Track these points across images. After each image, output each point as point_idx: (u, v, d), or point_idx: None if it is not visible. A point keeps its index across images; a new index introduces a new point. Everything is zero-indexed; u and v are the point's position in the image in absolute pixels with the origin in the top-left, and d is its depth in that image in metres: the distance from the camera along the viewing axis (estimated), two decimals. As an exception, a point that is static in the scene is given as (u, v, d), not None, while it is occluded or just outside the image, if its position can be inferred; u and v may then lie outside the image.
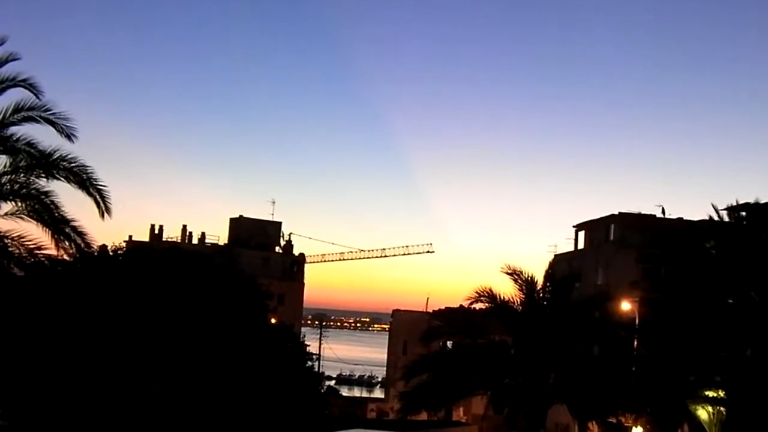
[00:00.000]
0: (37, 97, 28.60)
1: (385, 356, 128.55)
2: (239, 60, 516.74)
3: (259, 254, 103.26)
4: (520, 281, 44.82)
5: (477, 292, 44.64)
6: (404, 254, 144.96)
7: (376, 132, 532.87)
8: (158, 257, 37.68)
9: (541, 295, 44.92)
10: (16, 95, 28.80)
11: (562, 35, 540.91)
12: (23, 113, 28.57)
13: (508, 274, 44.92)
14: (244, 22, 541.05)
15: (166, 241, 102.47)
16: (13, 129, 28.64)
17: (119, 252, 38.26)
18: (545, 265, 49.80)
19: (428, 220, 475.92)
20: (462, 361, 44.81)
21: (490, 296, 44.70)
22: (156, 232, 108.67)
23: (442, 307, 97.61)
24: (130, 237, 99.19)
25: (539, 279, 45.21)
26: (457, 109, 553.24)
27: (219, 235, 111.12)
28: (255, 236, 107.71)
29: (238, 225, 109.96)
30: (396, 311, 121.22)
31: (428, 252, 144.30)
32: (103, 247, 36.57)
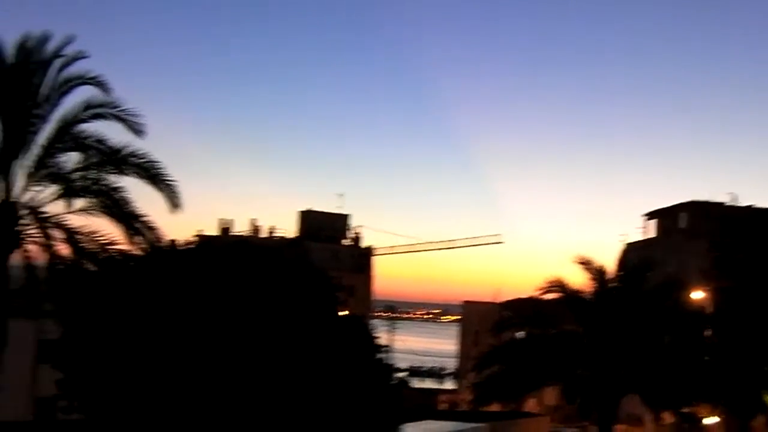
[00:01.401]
0: (106, 94, 29.05)
1: (455, 347, 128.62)
2: (305, 55, 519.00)
3: (328, 247, 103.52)
4: (590, 271, 44.51)
5: (548, 282, 44.44)
6: (472, 245, 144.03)
7: (443, 122, 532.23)
8: (228, 250, 37.80)
9: (612, 284, 44.52)
10: (86, 93, 29.29)
11: (629, 25, 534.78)
12: (93, 110, 29.05)
13: (578, 263, 44.63)
14: (310, 17, 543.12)
15: (235, 236, 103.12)
16: (83, 126, 29.16)
17: (189, 246, 38.51)
18: (616, 255, 49.42)
19: (496, 210, 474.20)
20: (533, 351, 44.57)
21: (560, 286, 44.44)
22: (225, 227, 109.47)
23: (512, 298, 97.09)
24: (200, 231, 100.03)
25: (610, 268, 44.84)
26: (525, 99, 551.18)
27: (288, 228, 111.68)
28: (324, 229, 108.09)
29: (307, 218, 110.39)
30: (466, 302, 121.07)
31: (496, 243, 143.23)
32: (173, 242, 36.83)
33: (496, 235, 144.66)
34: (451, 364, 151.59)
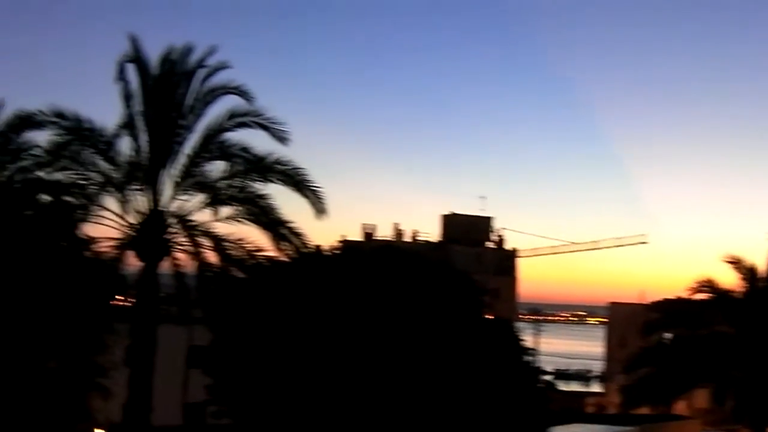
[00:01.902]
0: (249, 103, 29.37)
1: (601, 350, 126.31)
2: (446, 57, 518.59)
3: (472, 250, 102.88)
4: (740, 270, 43.06)
5: (697, 283, 43.17)
6: (617, 245, 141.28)
7: (584, 122, 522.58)
8: (373, 255, 37.89)
9: (763, 284, 43.01)
10: (229, 102, 29.68)
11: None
12: (237, 119, 29.44)
13: (728, 262, 43.24)
14: (449, 19, 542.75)
15: (379, 240, 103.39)
16: (227, 135, 29.56)
17: (334, 252, 38.76)
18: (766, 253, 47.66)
19: (641, 209, 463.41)
20: (683, 353, 43.35)
21: (710, 286, 43.13)
22: (368, 231, 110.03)
23: (658, 299, 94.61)
24: (344, 237, 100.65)
25: (761, 267, 43.31)
26: (668, 94, 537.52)
27: (431, 232, 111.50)
28: (467, 232, 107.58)
29: (450, 222, 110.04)
30: (613, 304, 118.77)
31: (641, 243, 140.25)
32: (318, 247, 37.07)
33: (641, 234, 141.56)
34: (598, 367, 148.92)
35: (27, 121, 30.54)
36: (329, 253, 37.68)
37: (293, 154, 29.79)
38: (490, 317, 48.33)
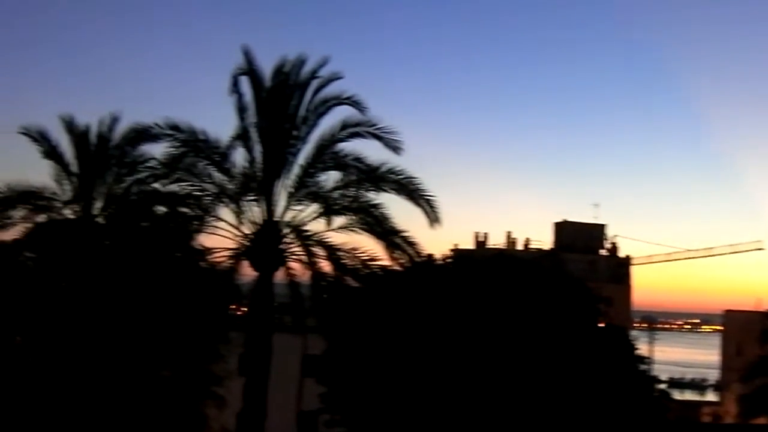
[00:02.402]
0: (362, 113, 29.37)
1: (717, 358, 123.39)
2: (556, 66, 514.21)
3: (585, 258, 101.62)
4: None
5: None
6: (732, 252, 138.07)
7: (698, 127, 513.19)
8: (486, 264, 37.60)
9: None
10: (342, 113, 29.72)
11: None
12: (350, 129, 29.48)
13: None
14: (554, 27, 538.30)
15: (491, 249, 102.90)
16: (341, 145, 29.62)
17: (447, 261, 38.59)
18: None
19: (757, 215, 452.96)
20: (805, 361, 42.18)
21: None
22: (480, 239, 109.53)
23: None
24: (456, 246, 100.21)
25: None
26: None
27: (543, 240, 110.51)
28: (580, 240, 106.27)
29: (562, 229, 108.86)
30: (728, 311, 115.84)
31: (757, 249, 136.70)
32: (430, 256, 36.94)
33: (757, 241, 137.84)
34: (713, 376, 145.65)
35: (143, 134, 31.15)
36: (442, 262, 37.55)
37: (406, 162, 29.71)
38: (605, 326, 47.64)
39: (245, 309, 34.42)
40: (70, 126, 32.71)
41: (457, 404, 33.11)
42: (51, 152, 32.59)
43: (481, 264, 38.88)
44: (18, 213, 32.63)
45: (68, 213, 32.52)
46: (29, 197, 32.41)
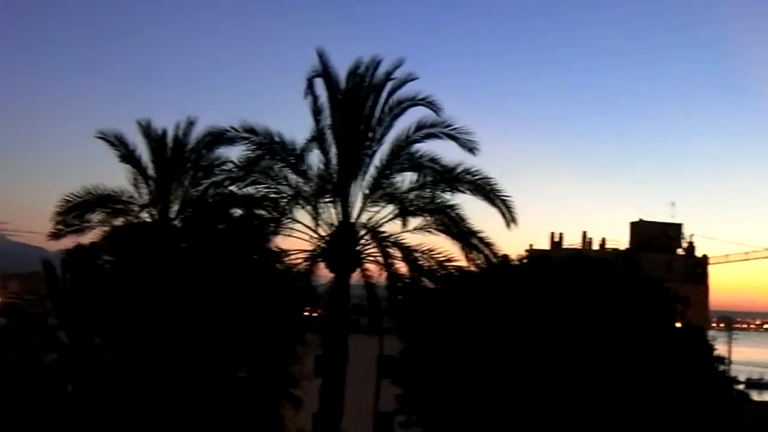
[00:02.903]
0: (437, 114, 29.22)
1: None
2: (634, 67, 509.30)
3: (661, 257, 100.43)
4: None
5: None
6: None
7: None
8: (562, 265, 37.28)
9: None
10: (417, 114, 29.62)
11: None
12: (425, 130, 29.36)
13: None
14: (637, 27, 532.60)
15: (567, 249, 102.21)
16: (416, 146, 29.52)
17: (523, 261, 38.35)
18: None
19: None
20: None
21: None
22: (556, 239, 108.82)
23: None
24: (531, 246, 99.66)
25: None
26: None
27: (619, 240, 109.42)
28: (656, 239, 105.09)
29: (639, 228, 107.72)
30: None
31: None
32: (506, 257, 36.74)
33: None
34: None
35: (219, 137, 31.35)
36: (518, 263, 37.29)
37: (481, 163, 29.53)
38: (682, 326, 46.95)
39: (320, 311, 34.56)
40: (147, 130, 33.06)
41: (533, 405, 32.87)
42: (128, 156, 32.97)
43: (557, 265, 38.59)
44: (96, 216, 33.11)
45: (145, 216, 32.86)
46: (107, 201, 32.83)
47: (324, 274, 29.67)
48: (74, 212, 32.78)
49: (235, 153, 30.92)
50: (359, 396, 34.18)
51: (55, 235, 33.08)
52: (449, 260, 28.67)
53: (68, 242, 33.17)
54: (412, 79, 29.56)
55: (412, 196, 29.18)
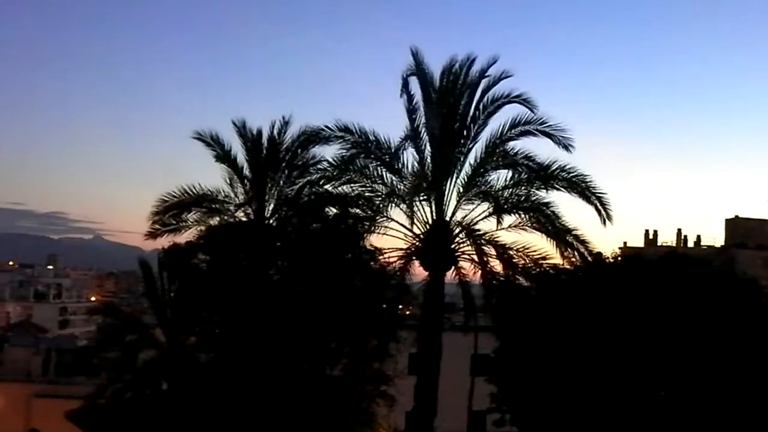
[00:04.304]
0: (532, 112, 29.09)
1: None
2: (729, 62, 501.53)
3: (758, 255, 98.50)
4: None
5: None
6: None
7: None
8: (657, 264, 36.82)
9: None
10: (512, 111, 29.51)
11: None
12: (520, 128, 29.25)
13: None
14: (722, 19, 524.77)
15: (661, 246, 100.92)
16: (511, 144, 29.43)
17: (617, 259, 37.98)
18: None
19: None
20: None
21: None
22: (650, 237, 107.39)
23: None
24: (625, 243, 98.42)
25: None
26: None
27: (715, 237, 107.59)
28: (753, 236, 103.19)
29: (735, 226, 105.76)
30: None
31: None
32: (600, 254, 36.47)
33: None
34: None
35: (313, 136, 31.55)
36: (612, 261, 36.95)
37: (574, 159, 29.31)
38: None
39: (413, 309, 34.61)
40: (242, 130, 33.41)
41: (628, 408, 32.56)
42: (224, 156, 33.35)
43: (652, 264, 38.13)
44: (192, 216, 33.55)
45: (241, 215, 33.22)
46: (203, 200, 33.27)
47: (418, 272, 29.72)
48: (171, 212, 33.26)
49: (329, 152, 31.14)
50: (452, 394, 34.09)
51: (152, 235, 33.56)
52: (544, 258, 28.50)
53: (164, 242, 33.70)
54: (507, 77, 29.45)
55: (506, 193, 29.09)
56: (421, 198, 29.20)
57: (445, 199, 29.19)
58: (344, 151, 30.11)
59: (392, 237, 29.45)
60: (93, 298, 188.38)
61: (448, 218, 29.15)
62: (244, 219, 33.22)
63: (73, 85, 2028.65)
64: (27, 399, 61.17)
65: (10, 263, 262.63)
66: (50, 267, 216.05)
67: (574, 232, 28.48)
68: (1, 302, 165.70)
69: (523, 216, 28.83)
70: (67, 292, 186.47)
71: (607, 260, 34.00)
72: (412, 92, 29.54)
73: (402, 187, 29.49)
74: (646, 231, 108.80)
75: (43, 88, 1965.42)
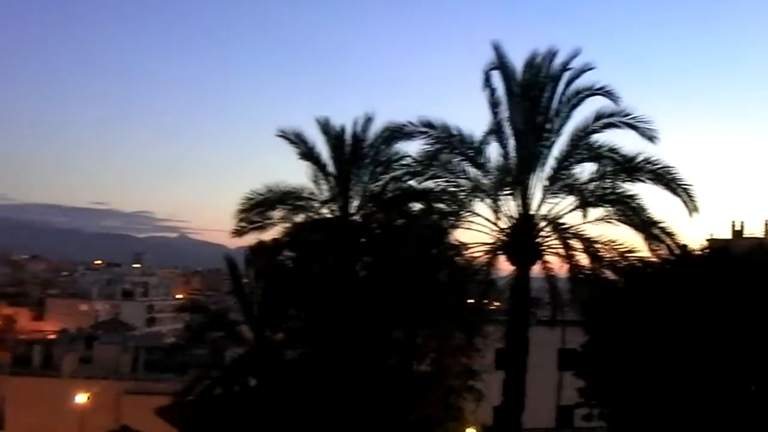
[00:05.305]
0: (615, 104, 28.81)
1: None
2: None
3: None
4: None
5: None
6: None
7: None
8: (743, 257, 36.37)
9: None
10: (595, 104, 29.28)
11: None
12: (604, 120, 28.95)
13: None
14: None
15: (748, 238, 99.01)
16: (595, 136, 29.18)
17: (704, 252, 37.50)
18: None
19: None
20: None
21: None
22: (737, 228, 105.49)
23: None
24: (711, 235, 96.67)
25: None
26: None
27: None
28: None
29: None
30: None
31: None
32: (685, 247, 36.10)
33: None
34: None
35: (397, 132, 31.64)
36: (700, 254, 36.49)
37: (658, 150, 28.94)
38: None
39: (499, 303, 34.54)
40: (325, 127, 33.68)
41: (717, 402, 32.15)
42: (308, 154, 33.64)
43: (739, 257, 37.56)
44: (277, 213, 33.85)
45: (326, 212, 33.46)
46: (288, 198, 33.58)
47: (504, 266, 29.65)
48: (256, 209, 33.61)
49: (413, 148, 31.20)
50: (539, 389, 34.01)
51: (238, 233, 33.91)
52: (630, 251, 28.14)
53: (250, 239, 34.08)
54: (589, 69, 29.17)
55: (591, 186, 28.81)
56: (506, 192, 29.11)
57: (530, 192, 29.05)
58: (428, 146, 30.11)
59: (477, 231, 29.37)
60: (179, 296, 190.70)
61: (533, 212, 29.01)
62: (329, 216, 33.46)
63: (158, 87, 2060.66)
64: (117, 396, 62.36)
65: (98, 262, 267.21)
66: (136, 265, 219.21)
67: (660, 225, 28.08)
68: (90, 301, 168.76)
69: (609, 209, 28.54)
70: (154, 290, 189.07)
71: (694, 253, 33.61)
72: (494, 86, 29.42)
73: (486, 182, 29.42)
74: (733, 222, 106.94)
75: (127, 92, 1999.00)
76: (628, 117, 28.45)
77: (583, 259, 28.36)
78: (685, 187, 28.49)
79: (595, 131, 29.01)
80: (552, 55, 29.40)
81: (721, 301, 32.04)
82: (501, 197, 29.10)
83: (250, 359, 33.78)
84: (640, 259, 27.99)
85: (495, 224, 29.13)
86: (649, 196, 28.85)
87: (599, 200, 28.59)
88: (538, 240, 28.90)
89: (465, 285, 29.09)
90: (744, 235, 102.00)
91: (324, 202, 33.42)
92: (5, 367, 73.12)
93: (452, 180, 29.80)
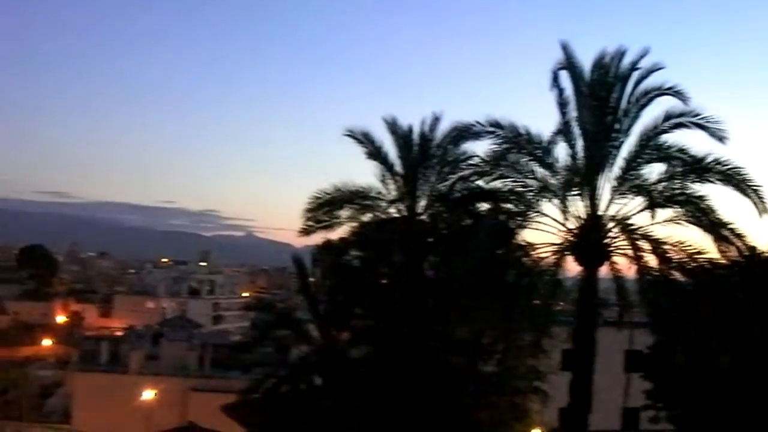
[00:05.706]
0: (684, 104, 28.59)
1: None
2: None
3: None
4: None
5: None
6: None
7: None
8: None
9: None
10: (664, 104, 29.08)
11: None
12: (673, 120, 28.73)
13: None
14: None
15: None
16: (664, 137, 28.97)
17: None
18: None
19: None
20: None
21: None
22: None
23: None
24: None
25: None
26: None
27: None
28: None
29: None
30: None
31: None
32: (754, 249, 35.65)
33: None
34: None
35: (464, 132, 31.76)
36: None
37: (725, 150, 28.65)
38: None
39: (566, 304, 34.40)
40: (393, 127, 33.87)
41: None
42: (375, 153, 33.86)
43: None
44: (344, 213, 34.09)
45: (393, 212, 33.62)
46: (355, 197, 33.82)
47: (571, 267, 29.54)
48: (324, 209, 33.87)
49: (480, 147, 31.22)
50: (606, 390, 33.82)
51: (305, 232, 34.18)
52: (700, 252, 27.88)
53: (317, 238, 34.33)
54: (659, 69, 28.97)
55: (660, 187, 28.61)
56: (574, 192, 29.02)
57: (598, 193, 28.91)
58: (496, 146, 30.09)
59: (544, 232, 29.31)
60: (245, 294, 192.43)
61: (601, 213, 28.87)
62: (396, 215, 33.61)
63: (222, 86, 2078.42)
64: (183, 393, 63.10)
65: (165, 260, 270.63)
66: (203, 263, 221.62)
67: (730, 226, 27.80)
68: (157, 298, 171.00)
69: (677, 209, 28.30)
70: (220, 288, 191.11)
71: (764, 255, 33.15)
72: (562, 86, 29.34)
73: (554, 182, 29.34)
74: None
75: (192, 92, 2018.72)
76: (698, 117, 28.20)
77: (651, 261, 28.16)
78: (755, 188, 28.20)
79: (664, 131, 28.80)
80: (621, 54, 29.26)
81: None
82: (569, 197, 29.00)
83: (316, 358, 34.02)
84: (710, 261, 27.71)
85: (563, 225, 29.05)
86: (719, 197, 28.61)
87: (668, 201, 28.37)
88: (606, 241, 28.75)
89: (532, 285, 29.00)
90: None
91: (391, 202, 33.59)
92: (73, 364, 74.34)
93: (520, 180, 29.76)
